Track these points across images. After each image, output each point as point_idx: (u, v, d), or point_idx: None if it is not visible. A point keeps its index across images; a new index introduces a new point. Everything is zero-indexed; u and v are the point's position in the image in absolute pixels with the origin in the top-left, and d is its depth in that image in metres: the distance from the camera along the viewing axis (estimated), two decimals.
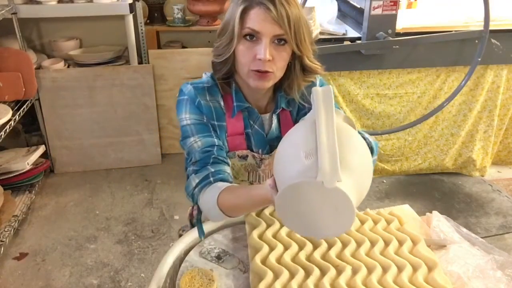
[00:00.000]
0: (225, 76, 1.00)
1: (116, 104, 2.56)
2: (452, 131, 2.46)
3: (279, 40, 0.90)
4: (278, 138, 1.06)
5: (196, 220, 1.10)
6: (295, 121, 1.08)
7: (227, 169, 0.97)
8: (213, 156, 0.96)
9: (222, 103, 1.01)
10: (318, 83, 1.08)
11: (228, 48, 0.93)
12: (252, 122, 1.04)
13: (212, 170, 0.94)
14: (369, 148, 0.82)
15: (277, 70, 0.93)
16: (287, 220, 0.68)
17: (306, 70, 0.99)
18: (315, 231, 0.68)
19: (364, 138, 0.91)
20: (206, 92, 1.00)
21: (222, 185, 0.92)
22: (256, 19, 0.88)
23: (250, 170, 1.08)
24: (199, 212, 1.07)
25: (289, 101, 1.06)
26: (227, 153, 1.03)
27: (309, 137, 0.66)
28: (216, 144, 0.98)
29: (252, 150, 1.06)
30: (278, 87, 1.04)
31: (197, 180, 0.94)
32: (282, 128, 1.07)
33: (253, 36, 0.90)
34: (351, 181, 0.64)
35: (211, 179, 0.93)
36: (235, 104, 1.01)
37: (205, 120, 0.99)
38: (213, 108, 1.00)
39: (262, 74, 0.92)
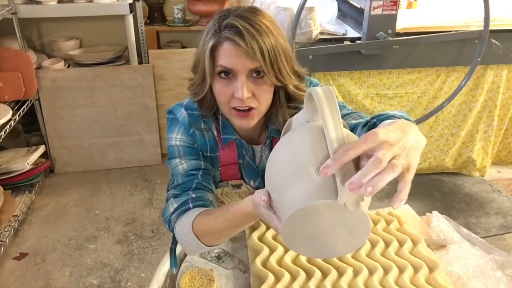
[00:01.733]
0: (209, 111, 0.94)
1: (116, 104, 2.56)
2: (452, 131, 2.45)
3: (257, 73, 0.82)
4: None
5: (169, 250, 1.00)
6: None
7: (210, 196, 0.90)
8: (197, 181, 0.90)
9: (215, 133, 0.96)
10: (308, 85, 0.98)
11: (203, 87, 0.87)
12: (244, 152, 0.98)
13: (193, 195, 0.87)
14: (405, 119, 0.72)
15: (262, 104, 0.86)
16: (293, 244, 0.61)
17: (291, 98, 0.91)
18: (324, 253, 0.63)
19: (396, 116, 0.77)
20: (201, 121, 0.94)
21: (199, 210, 0.84)
22: (227, 56, 0.80)
23: (244, 197, 1.03)
24: (174, 241, 0.96)
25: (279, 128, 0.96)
26: (220, 181, 0.99)
27: (317, 147, 0.58)
28: (203, 167, 0.92)
29: (244, 181, 1.01)
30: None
31: (175, 205, 0.88)
32: None
33: (228, 73, 0.82)
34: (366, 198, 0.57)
35: (191, 205, 0.86)
36: (222, 137, 0.95)
37: (196, 145, 0.94)
38: (208, 139, 0.95)
39: (244, 112, 0.85)
